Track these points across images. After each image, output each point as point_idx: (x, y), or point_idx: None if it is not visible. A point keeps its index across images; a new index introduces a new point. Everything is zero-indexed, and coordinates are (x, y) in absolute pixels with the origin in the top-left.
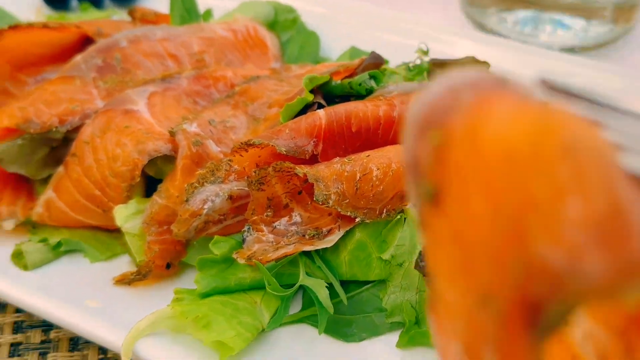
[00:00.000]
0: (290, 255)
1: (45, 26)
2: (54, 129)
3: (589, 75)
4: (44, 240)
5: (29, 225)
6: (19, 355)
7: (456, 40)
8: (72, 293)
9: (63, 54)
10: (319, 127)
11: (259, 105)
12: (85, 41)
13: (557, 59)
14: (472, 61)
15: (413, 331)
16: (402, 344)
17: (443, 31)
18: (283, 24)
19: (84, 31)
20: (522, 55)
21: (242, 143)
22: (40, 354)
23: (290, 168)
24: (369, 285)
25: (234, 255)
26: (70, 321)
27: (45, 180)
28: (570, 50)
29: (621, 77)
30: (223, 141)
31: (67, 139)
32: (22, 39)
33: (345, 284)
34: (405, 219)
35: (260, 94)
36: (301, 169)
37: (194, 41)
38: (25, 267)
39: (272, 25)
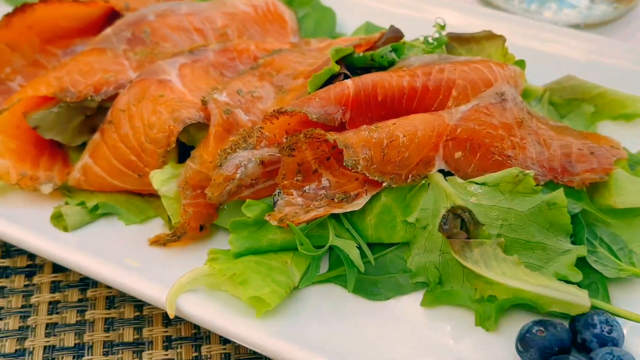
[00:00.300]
0: (320, 217)
1: (75, 0)
2: (90, 98)
3: (595, 50)
4: (81, 204)
5: (64, 190)
6: (57, 313)
7: (467, 16)
8: (110, 253)
9: (90, 28)
10: (347, 96)
11: (283, 77)
12: (110, 15)
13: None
14: (489, 35)
15: (438, 290)
16: (427, 302)
17: (454, 7)
18: (299, 0)
19: (111, 5)
20: (533, 31)
21: (274, 111)
22: (78, 311)
23: (321, 135)
24: (393, 247)
25: (267, 217)
26: (113, 278)
27: (80, 148)
28: (575, 27)
29: (627, 52)
30: (251, 110)
31: (101, 107)
32: (52, 13)
33: (370, 246)
34: (429, 184)
35: (284, 66)
36: (331, 136)
37: (217, 16)
38: (65, 229)
39: (289, 1)
